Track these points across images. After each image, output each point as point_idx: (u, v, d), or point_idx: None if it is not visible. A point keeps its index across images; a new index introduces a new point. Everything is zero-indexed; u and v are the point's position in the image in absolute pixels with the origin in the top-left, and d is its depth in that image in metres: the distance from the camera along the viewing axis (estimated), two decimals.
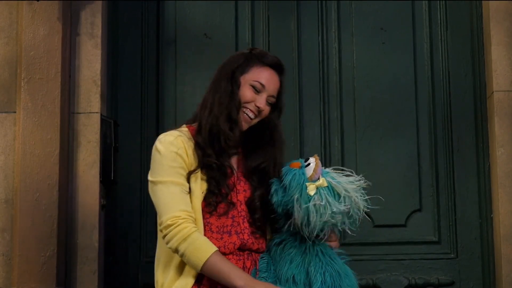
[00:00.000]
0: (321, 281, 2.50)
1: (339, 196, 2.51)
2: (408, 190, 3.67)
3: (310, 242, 2.55)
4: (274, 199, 2.56)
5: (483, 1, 3.69)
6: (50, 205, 3.38)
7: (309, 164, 2.56)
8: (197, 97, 3.68)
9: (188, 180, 2.57)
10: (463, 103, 3.70)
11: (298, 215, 2.49)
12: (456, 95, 3.71)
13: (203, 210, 2.57)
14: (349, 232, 2.56)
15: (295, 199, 2.50)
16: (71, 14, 3.56)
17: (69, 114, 3.53)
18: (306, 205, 2.48)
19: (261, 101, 2.63)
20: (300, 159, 2.62)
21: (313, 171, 2.53)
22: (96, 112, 3.54)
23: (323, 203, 2.48)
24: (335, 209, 2.49)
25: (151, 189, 2.59)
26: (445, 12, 3.76)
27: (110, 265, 3.62)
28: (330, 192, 2.51)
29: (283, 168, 2.60)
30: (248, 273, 2.57)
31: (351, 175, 2.58)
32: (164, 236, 2.52)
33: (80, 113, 3.55)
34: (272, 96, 2.66)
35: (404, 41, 3.76)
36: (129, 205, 3.67)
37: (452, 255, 3.64)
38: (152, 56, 3.77)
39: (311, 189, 2.50)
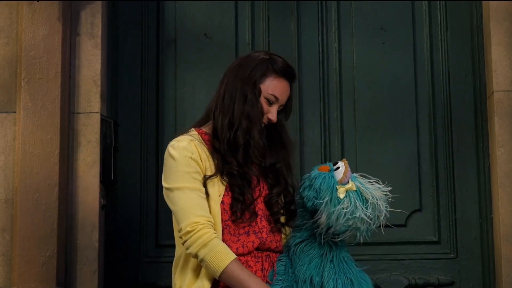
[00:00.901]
0: (333, 287, 2.51)
1: (367, 201, 2.53)
2: (408, 190, 3.67)
3: (328, 247, 2.56)
4: (306, 193, 2.57)
5: (483, 1, 3.69)
6: (50, 205, 3.38)
7: (338, 167, 2.57)
8: (197, 97, 3.70)
9: (205, 184, 2.56)
10: (463, 103, 3.70)
11: (325, 216, 2.50)
12: (456, 95, 3.71)
13: (222, 214, 2.57)
14: (361, 240, 2.56)
15: (324, 202, 2.50)
16: (71, 14, 3.56)
17: (69, 114, 3.53)
18: (335, 208, 2.49)
19: (273, 112, 2.64)
20: (328, 163, 2.64)
21: (343, 174, 2.55)
22: (96, 112, 3.54)
23: (351, 207, 2.49)
24: (361, 214, 2.50)
25: (167, 196, 2.58)
26: (445, 12, 3.76)
27: (110, 265, 3.62)
28: (359, 197, 2.53)
29: (312, 172, 2.61)
30: (266, 274, 2.58)
31: (377, 183, 2.59)
32: (184, 242, 2.51)
33: (80, 113, 3.55)
34: (282, 105, 2.67)
35: (404, 41, 3.76)
36: (129, 205, 3.67)
37: (452, 255, 3.64)
38: (152, 56, 3.77)
39: (341, 192, 2.52)
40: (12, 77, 3.50)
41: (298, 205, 2.64)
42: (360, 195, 2.53)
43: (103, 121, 3.57)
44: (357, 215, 2.50)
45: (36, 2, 3.46)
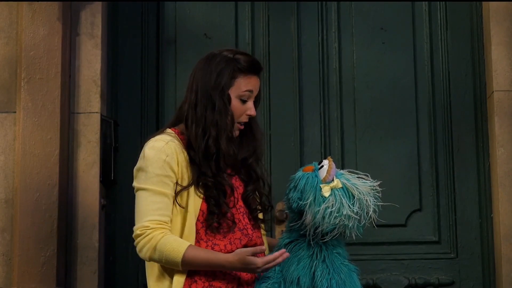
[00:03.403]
0: (327, 287, 2.50)
1: (353, 197, 2.51)
2: (408, 190, 3.67)
3: (318, 247, 2.55)
4: (291, 194, 2.56)
5: (483, 1, 3.69)
6: (50, 205, 3.38)
7: (322, 166, 2.56)
8: None
9: (180, 194, 2.53)
10: (463, 103, 3.70)
11: (311, 216, 2.49)
12: (456, 95, 3.71)
13: (203, 219, 2.54)
14: (353, 236, 2.55)
15: (308, 202, 2.49)
16: (71, 14, 3.56)
17: (69, 114, 3.53)
18: (320, 207, 2.48)
19: (251, 107, 2.62)
20: (313, 162, 2.62)
21: (327, 172, 2.53)
22: (96, 112, 3.54)
23: (337, 205, 2.48)
24: (347, 211, 2.48)
25: (135, 194, 2.58)
26: (445, 12, 3.76)
27: (110, 265, 3.62)
28: (345, 194, 2.51)
29: (296, 173, 2.60)
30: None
31: (366, 178, 2.58)
32: (136, 245, 2.51)
33: (80, 113, 3.55)
34: (255, 96, 2.65)
35: (404, 41, 3.76)
36: (129, 205, 3.64)
37: (452, 255, 3.64)
38: (152, 56, 3.77)
39: (326, 191, 2.50)
40: (12, 77, 3.51)
41: (286, 207, 2.64)
42: (346, 192, 2.51)
43: (103, 121, 3.57)
44: (344, 212, 2.48)
45: (36, 2, 3.46)
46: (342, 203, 2.49)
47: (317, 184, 2.51)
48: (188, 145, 2.58)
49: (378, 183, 2.57)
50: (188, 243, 2.48)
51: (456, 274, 3.62)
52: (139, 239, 2.49)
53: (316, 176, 2.53)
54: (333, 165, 2.56)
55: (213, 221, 2.53)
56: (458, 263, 3.63)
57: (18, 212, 3.39)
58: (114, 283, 3.63)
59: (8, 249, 3.42)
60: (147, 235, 2.47)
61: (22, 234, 3.37)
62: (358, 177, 2.57)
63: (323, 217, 2.47)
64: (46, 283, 3.34)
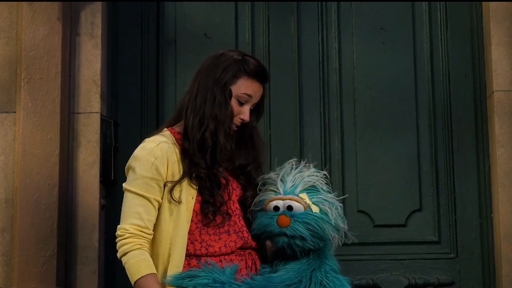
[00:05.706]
0: None
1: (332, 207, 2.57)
2: (408, 190, 3.67)
3: (311, 258, 2.56)
4: (316, 244, 2.57)
5: (483, 1, 3.69)
6: (50, 205, 3.38)
7: (290, 207, 2.57)
8: None
9: (173, 190, 2.54)
10: (463, 103, 3.70)
11: (332, 231, 2.56)
12: (456, 95, 3.71)
13: (197, 219, 2.56)
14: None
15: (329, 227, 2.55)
16: (71, 14, 3.56)
17: (69, 114, 3.53)
18: (330, 220, 2.54)
19: (246, 112, 2.62)
20: (276, 212, 2.59)
21: (298, 203, 2.56)
22: (96, 112, 3.55)
23: (334, 208, 2.55)
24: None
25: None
26: (445, 12, 3.76)
27: (110, 265, 3.62)
28: (326, 202, 2.56)
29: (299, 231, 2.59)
30: (250, 272, 2.57)
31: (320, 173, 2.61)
32: (116, 243, 2.58)
33: (80, 113, 3.55)
34: (253, 103, 2.65)
35: (404, 41, 3.76)
36: None
37: (452, 255, 3.64)
38: (152, 56, 3.77)
39: (314, 209, 2.54)
40: (12, 77, 3.51)
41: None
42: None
43: (103, 121, 3.57)
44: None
45: (36, 2, 3.46)
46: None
47: (324, 222, 2.54)
48: (185, 135, 2.59)
49: (325, 172, 2.60)
50: (152, 272, 2.51)
51: (456, 274, 3.62)
52: (118, 239, 2.57)
53: (321, 217, 2.55)
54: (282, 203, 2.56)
55: (209, 210, 2.54)
56: (458, 263, 3.63)
57: (18, 212, 3.39)
58: (114, 283, 3.63)
59: (8, 249, 3.42)
60: (125, 238, 2.54)
61: (22, 234, 3.37)
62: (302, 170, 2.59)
63: (336, 218, 2.54)
64: (46, 283, 3.34)
